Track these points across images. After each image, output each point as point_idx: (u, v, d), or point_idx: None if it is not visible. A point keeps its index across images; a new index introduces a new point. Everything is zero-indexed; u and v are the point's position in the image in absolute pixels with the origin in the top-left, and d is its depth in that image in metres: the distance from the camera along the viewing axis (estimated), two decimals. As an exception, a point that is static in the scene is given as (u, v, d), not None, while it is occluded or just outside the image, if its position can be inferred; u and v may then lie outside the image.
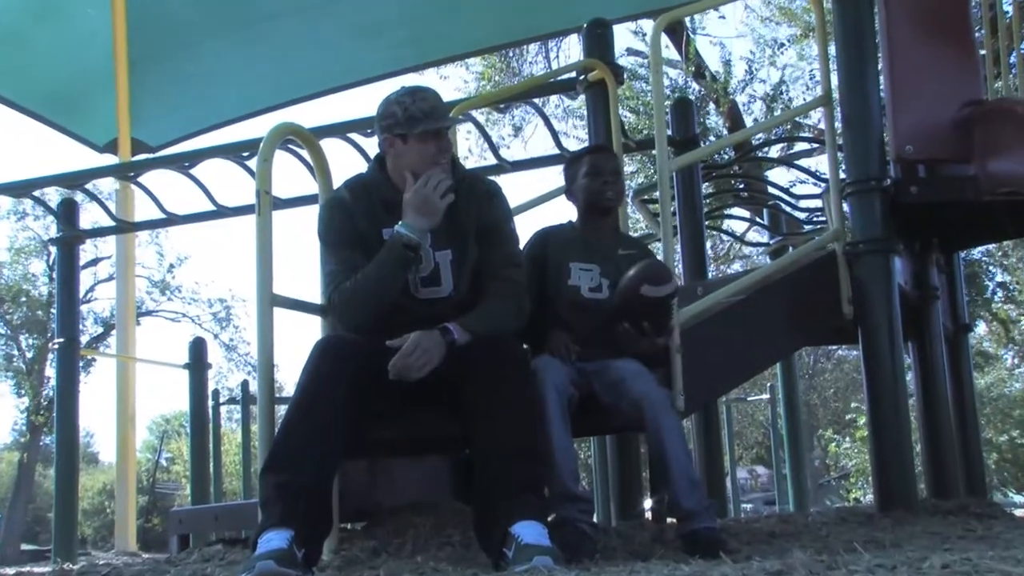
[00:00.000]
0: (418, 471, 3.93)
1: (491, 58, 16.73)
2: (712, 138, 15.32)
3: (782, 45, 16.00)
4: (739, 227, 11.96)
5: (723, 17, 16.19)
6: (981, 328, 22.26)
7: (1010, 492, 23.67)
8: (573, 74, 5.73)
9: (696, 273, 6.49)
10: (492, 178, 3.88)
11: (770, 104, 16.25)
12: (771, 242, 8.89)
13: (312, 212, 3.94)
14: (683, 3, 6.19)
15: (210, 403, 11.01)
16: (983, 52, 5.61)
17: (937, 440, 5.46)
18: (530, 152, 18.24)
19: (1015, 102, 5.32)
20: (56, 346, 7.69)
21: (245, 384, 13.97)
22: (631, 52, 17.36)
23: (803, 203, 8.53)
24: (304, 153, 5.08)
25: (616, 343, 3.59)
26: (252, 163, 5.53)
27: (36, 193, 7.82)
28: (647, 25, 15.17)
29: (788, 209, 8.62)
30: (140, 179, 7.12)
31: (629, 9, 9.61)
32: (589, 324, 3.64)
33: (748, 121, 15.93)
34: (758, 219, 9.95)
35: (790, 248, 7.09)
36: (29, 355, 32.16)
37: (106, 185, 12.42)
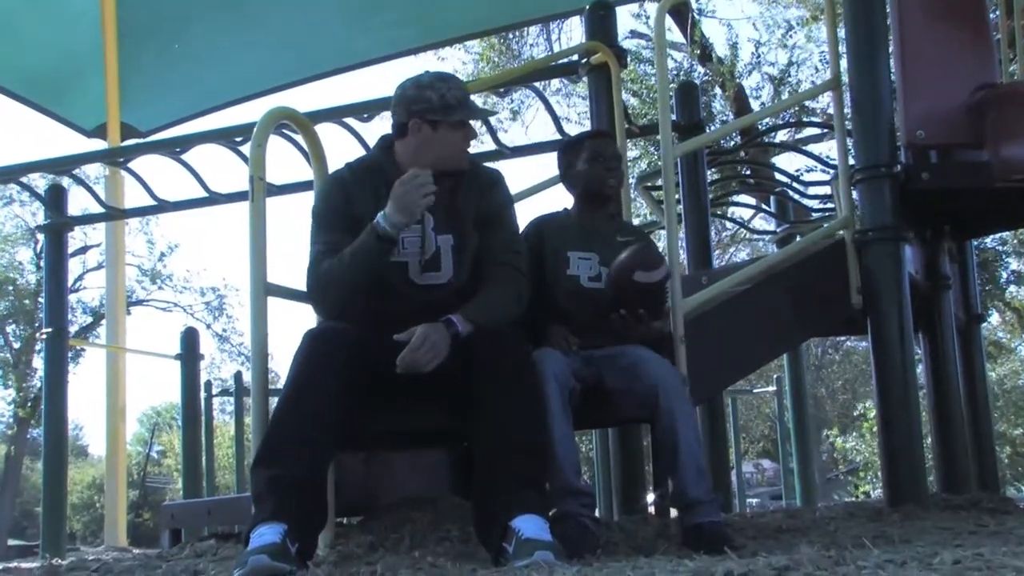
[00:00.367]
0: (416, 465, 3.94)
1: (490, 40, 16.68)
2: (718, 123, 15.32)
3: (791, 28, 15.96)
4: (745, 214, 11.97)
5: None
6: (994, 318, 22.27)
7: (1023, 487, 23.72)
8: (575, 57, 5.72)
9: (701, 262, 6.49)
10: (492, 165, 3.88)
11: (778, 88, 16.21)
12: (778, 230, 8.89)
13: (307, 199, 3.94)
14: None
15: (202, 395, 11.02)
16: (998, 34, 5.60)
17: (948, 433, 5.46)
18: (530, 137, 18.22)
19: (1030, 86, 5.32)
20: (44, 336, 7.69)
21: (238, 375, 13.99)
22: (635, 35, 17.32)
23: (811, 190, 8.53)
24: (299, 138, 5.06)
25: (614, 331, 3.59)
26: (245, 148, 5.53)
27: (23, 179, 7.82)
28: (651, 7, 15.16)
29: (796, 196, 8.61)
30: (130, 165, 7.11)
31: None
32: (589, 313, 3.64)
33: (755, 106, 15.90)
34: (765, 206, 9.95)
35: (797, 236, 7.10)
36: (16, 346, 32.18)
37: (95, 171, 12.43)
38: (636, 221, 8.02)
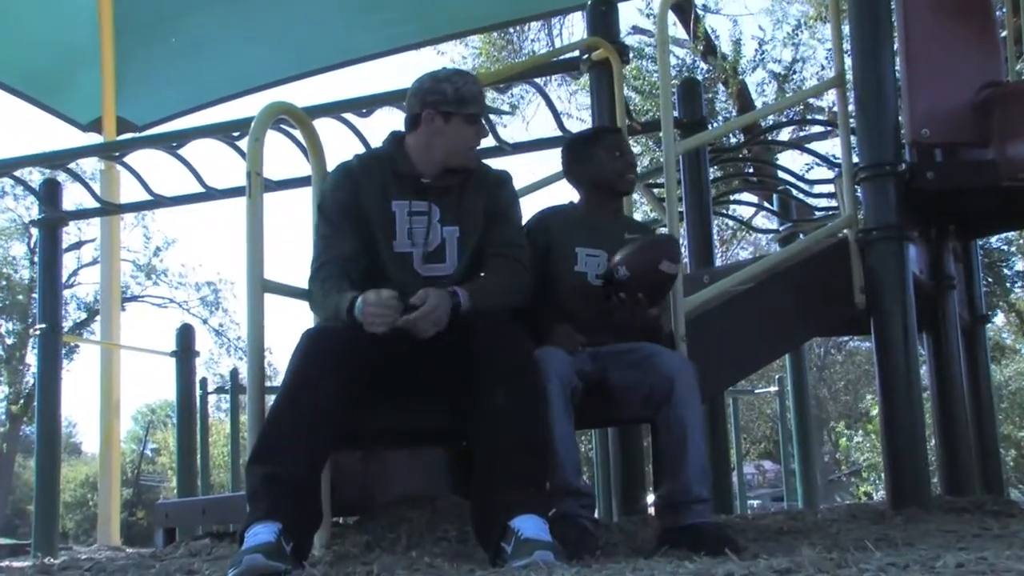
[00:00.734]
0: (413, 464, 3.95)
1: (490, 35, 16.68)
2: (720, 120, 15.31)
3: (798, 26, 15.96)
4: (747, 213, 11.97)
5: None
6: (999, 319, 22.28)
7: (1027, 490, 23.73)
8: (576, 53, 5.73)
9: (703, 260, 6.49)
10: (492, 161, 3.90)
11: (782, 85, 16.21)
12: (781, 228, 8.89)
13: (305, 194, 3.94)
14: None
15: (198, 392, 11.01)
16: (1004, 32, 5.60)
17: (952, 435, 5.47)
18: (531, 133, 18.21)
19: (1036, 84, 5.32)
20: (38, 332, 7.69)
21: (234, 372, 13.98)
22: (637, 31, 17.32)
23: (815, 188, 8.53)
24: (297, 133, 5.07)
25: (613, 322, 3.60)
26: (243, 143, 5.54)
27: (17, 173, 7.82)
28: (654, 3, 15.16)
29: (798, 194, 8.61)
30: (126, 159, 7.11)
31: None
32: (594, 310, 3.64)
33: (758, 103, 15.89)
34: (767, 204, 9.95)
35: (800, 235, 7.10)
36: (9, 341, 32.19)
37: (90, 165, 12.40)
38: (637, 218, 8.00)
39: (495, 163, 3.81)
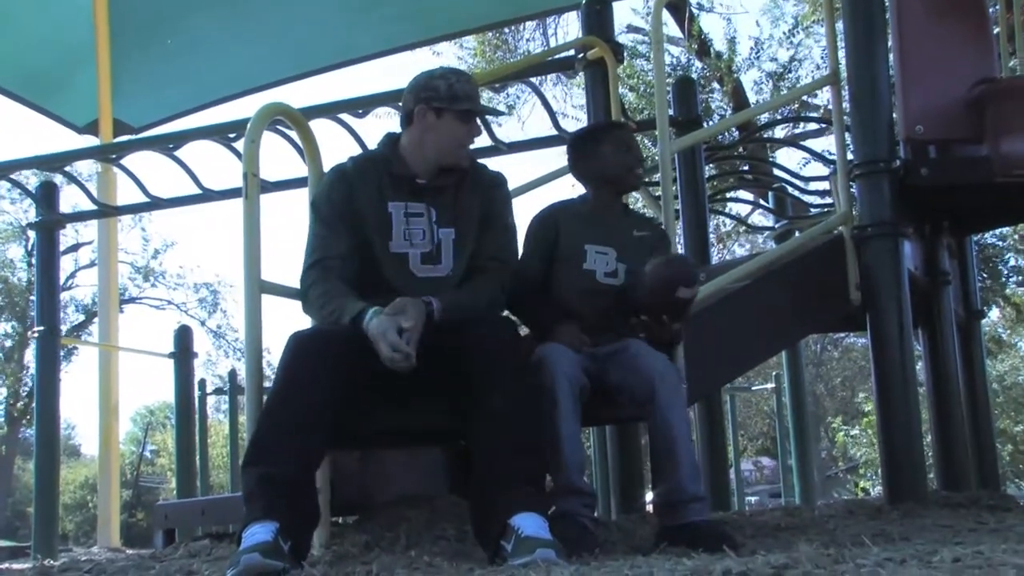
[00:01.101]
0: (412, 463, 3.95)
1: (484, 35, 16.67)
2: (716, 118, 15.31)
3: (796, 25, 15.96)
4: (743, 210, 11.96)
5: (727, -8, 16.14)
6: (994, 313, 22.27)
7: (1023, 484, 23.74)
8: (572, 52, 5.73)
9: (699, 258, 6.49)
10: (487, 160, 3.90)
11: (777, 83, 16.22)
12: (776, 226, 8.90)
13: (301, 195, 3.94)
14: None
15: (196, 393, 11.01)
16: (997, 28, 5.61)
17: (948, 430, 5.48)
18: (527, 133, 18.21)
19: (1030, 80, 5.32)
20: (36, 335, 7.68)
21: (233, 374, 13.99)
22: (632, 29, 17.33)
23: (810, 185, 8.53)
24: (293, 134, 5.07)
25: (630, 331, 3.60)
26: (239, 145, 5.53)
27: (14, 176, 7.82)
28: (649, 2, 15.16)
29: (794, 192, 8.62)
30: (122, 161, 7.11)
31: (629, -16, 9.59)
32: (601, 309, 3.64)
33: (753, 101, 15.89)
34: (763, 202, 9.95)
35: (796, 232, 7.10)
36: (8, 344, 32.16)
37: (87, 167, 12.41)
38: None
39: (491, 163, 3.81)
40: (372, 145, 3.73)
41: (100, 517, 8.90)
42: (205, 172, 6.68)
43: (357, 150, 4.44)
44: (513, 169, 4.05)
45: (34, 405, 8.15)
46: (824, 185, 8.14)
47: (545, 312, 3.63)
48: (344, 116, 5.94)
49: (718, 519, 4.02)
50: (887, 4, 5.01)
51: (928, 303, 5.46)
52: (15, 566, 4.12)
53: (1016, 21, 5.62)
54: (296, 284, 3.45)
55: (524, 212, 3.84)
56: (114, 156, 7.29)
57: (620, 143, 3.86)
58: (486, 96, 12.18)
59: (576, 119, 14.91)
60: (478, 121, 3.60)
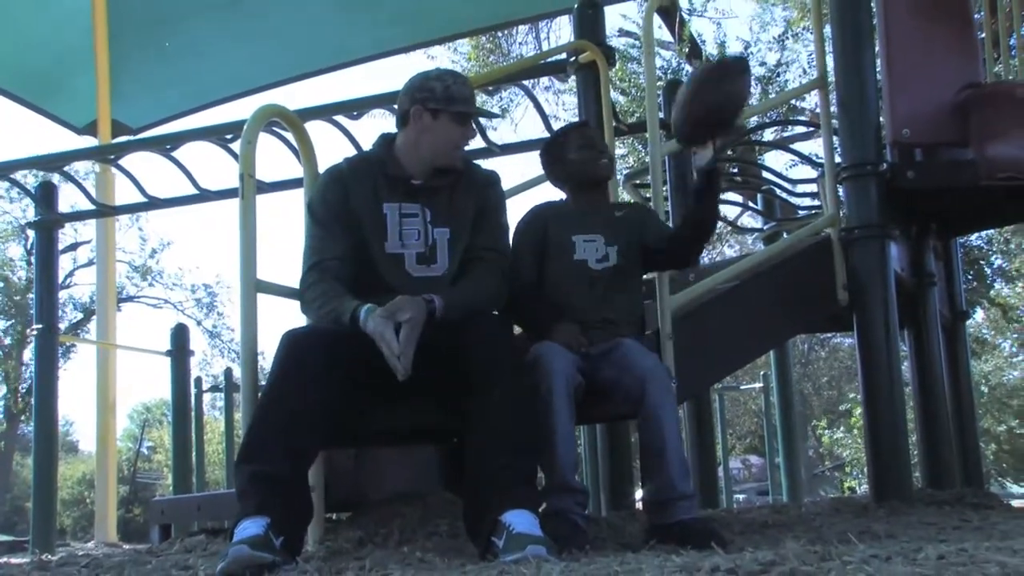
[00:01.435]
0: (405, 461, 3.94)
1: (478, 40, 16.67)
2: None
3: (785, 32, 15.97)
4: (732, 212, 11.96)
5: (717, -3, 16.15)
6: (979, 315, 22.33)
7: (1008, 483, 23.79)
8: (564, 56, 5.72)
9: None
10: (480, 163, 3.89)
11: (765, 87, 16.23)
12: (765, 227, 8.90)
13: (297, 196, 3.94)
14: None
15: (193, 391, 10.99)
16: (982, 34, 5.62)
17: (933, 429, 5.48)
18: (519, 135, 18.22)
19: (1014, 85, 5.34)
20: (35, 332, 7.67)
21: (228, 372, 13.96)
22: (623, 33, 17.33)
23: (798, 188, 8.53)
24: (289, 136, 5.06)
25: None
26: (236, 146, 5.51)
27: (13, 175, 7.80)
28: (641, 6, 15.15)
29: (782, 194, 8.62)
30: (121, 162, 7.08)
31: (621, -11, 9.59)
32: (598, 299, 3.64)
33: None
34: (752, 204, 9.95)
35: (784, 234, 7.11)
36: (7, 341, 32.10)
37: (85, 167, 12.38)
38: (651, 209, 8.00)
39: (484, 164, 3.81)
40: (367, 146, 3.72)
41: (97, 512, 8.87)
42: (202, 173, 6.67)
43: (352, 151, 4.42)
44: (506, 171, 4.06)
45: (33, 402, 8.12)
46: (812, 187, 8.15)
47: (542, 312, 3.62)
48: (339, 118, 5.92)
49: (707, 516, 4.02)
50: (874, 10, 5.01)
51: (914, 304, 5.47)
52: (13, 560, 4.11)
53: (1001, 27, 5.63)
54: (291, 284, 3.44)
55: (517, 213, 3.85)
56: (112, 156, 7.27)
57: (582, 139, 3.91)
58: (480, 99, 12.14)
59: (568, 121, 14.89)
60: (472, 123, 3.60)
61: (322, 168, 3.61)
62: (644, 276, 3.91)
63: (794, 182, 8.60)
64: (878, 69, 5.05)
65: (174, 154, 6.54)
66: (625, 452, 5.22)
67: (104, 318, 9.23)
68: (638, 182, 8.02)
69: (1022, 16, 5.93)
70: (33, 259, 10.27)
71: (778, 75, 16.41)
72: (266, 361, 3.19)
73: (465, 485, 3.04)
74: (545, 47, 17.11)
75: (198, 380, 12.57)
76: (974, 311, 19.61)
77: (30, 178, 8.75)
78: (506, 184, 3.93)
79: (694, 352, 4.02)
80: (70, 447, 47.07)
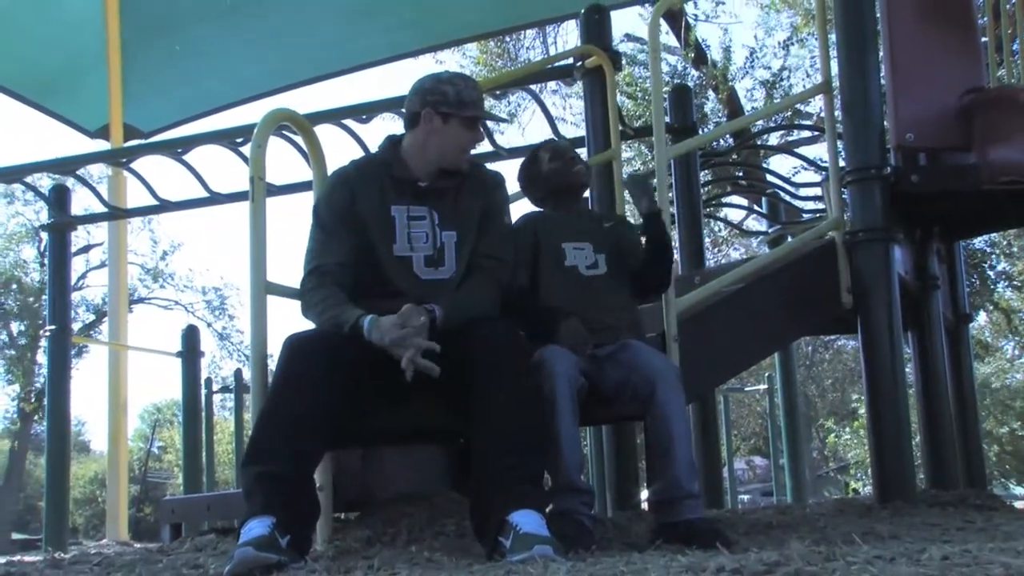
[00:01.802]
0: (413, 462, 3.93)
1: (486, 44, 16.68)
2: (711, 125, 15.31)
3: (791, 37, 15.97)
4: (738, 215, 11.97)
5: (722, 1, 16.13)
6: (981, 318, 22.28)
7: (1011, 484, 23.73)
8: (571, 60, 5.72)
9: (694, 261, 6.49)
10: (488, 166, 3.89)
11: (770, 91, 16.22)
12: (770, 231, 8.90)
13: (306, 199, 3.94)
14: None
15: (203, 391, 11.01)
16: (985, 39, 5.60)
17: (937, 431, 5.47)
18: (527, 139, 18.23)
19: (1017, 90, 5.33)
20: (48, 333, 7.68)
21: (238, 372, 13.98)
22: (629, 38, 17.34)
23: (802, 191, 8.53)
24: (298, 139, 5.07)
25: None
26: (246, 149, 5.52)
27: (27, 179, 7.81)
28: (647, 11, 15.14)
29: (787, 197, 8.62)
30: (132, 165, 7.11)
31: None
32: (591, 304, 3.64)
33: (748, 109, 15.90)
34: (757, 207, 9.96)
35: (789, 237, 7.10)
36: (21, 342, 32.16)
37: (98, 171, 12.41)
38: (632, 221, 8.01)
39: (491, 167, 3.81)
40: (376, 150, 3.72)
41: (109, 511, 8.88)
42: (212, 176, 6.69)
43: (361, 155, 4.42)
44: (513, 174, 4.06)
45: (46, 402, 8.13)
46: (816, 191, 8.14)
47: (542, 315, 3.61)
48: (348, 121, 5.94)
49: (712, 517, 4.02)
50: (878, 15, 5.00)
51: (917, 307, 5.46)
52: (27, 558, 4.11)
53: (1003, 32, 5.62)
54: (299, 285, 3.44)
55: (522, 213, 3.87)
56: (124, 160, 7.30)
57: (553, 152, 3.95)
58: (488, 102, 12.16)
59: (575, 125, 14.90)
60: (480, 127, 3.60)
61: (331, 171, 3.61)
62: None
63: (798, 186, 8.60)
64: (882, 74, 5.04)
65: (185, 157, 6.56)
66: (631, 453, 5.22)
67: (116, 319, 9.25)
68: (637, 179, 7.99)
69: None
70: (46, 261, 10.30)
71: (783, 80, 16.40)
72: (275, 363, 3.19)
73: (472, 485, 3.04)
74: (552, 51, 17.12)
75: (208, 381, 12.60)
76: (977, 314, 19.58)
77: (44, 181, 8.75)
78: (514, 188, 3.94)
79: (699, 354, 4.02)
80: (82, 447, 47.16)
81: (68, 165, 7.41)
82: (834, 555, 2.16)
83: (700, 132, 8.39)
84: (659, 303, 3.95)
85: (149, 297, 33.02)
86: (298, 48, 9.81)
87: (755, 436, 33.29)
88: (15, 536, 32.64)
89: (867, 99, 4.84)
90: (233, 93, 10.10)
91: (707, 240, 10.82)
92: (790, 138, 14.62)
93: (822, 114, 6.01)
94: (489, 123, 5.46)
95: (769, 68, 16.56)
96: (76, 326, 25.92)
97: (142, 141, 9.44)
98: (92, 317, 31.39)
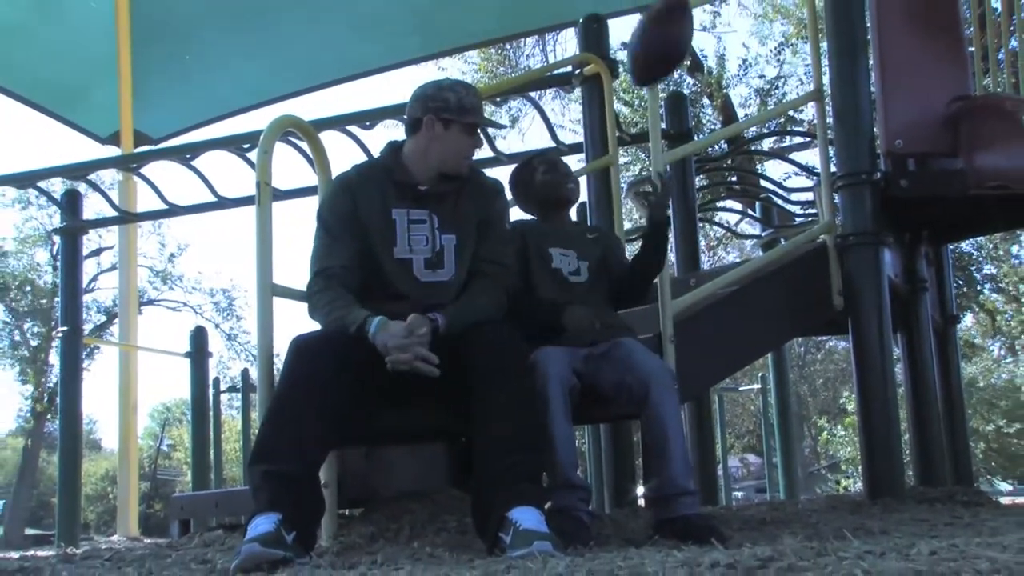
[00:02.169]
0: (415, 459, 3.93)
1: (488, 51, 16.70)
2: (706, 132, 15.32)
3: (782, 44, 15.97)
4: (732, 219, 11.97)
5: (718, 13, 16.14)
6: (968, 319, 22.30)
7: (996, 480, 23.74)
8: (569, 68, 5.72)
9: (689, 264, 6.49)
10: (488, 171, 3.89)
11: (764, 98, 16.23)
12: (763, 234, 8.89)
13: (311, 203, 3.94)
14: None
15: (211, 391, 11.01)
16: (972, 48, 5.61)
17: (925, 429, 5.47)
18: (527, 144, 18.25)
19: (1003, 98, 5.33)
20: (60, 334, 7.69)
21: (245, 372, 13.99)
22: (626, 46, 17.33)
23: (795, 196, 8.53)
24: (304, 145, 5.07)
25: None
26: (252, 155, 5.53)
27: (41, 184, 7.82)
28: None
29: (780, 202, 8.62)
30: (142, 170, 7.11)
31: (624, 3, 9.56)
32: (580, 303, 3.64)
33: (741, 115, 15.91)
34: (750, 211, 9.96)
35: (782, 240, 7.10)
36: (33, 343, 32.17)
37: (109, 176, 12.41)
38: (628, 225, 8.01)
39: (492, 173, 3.81)
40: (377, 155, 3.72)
41: (119, 507, 8.88)
42: (220, 181, 6.69)
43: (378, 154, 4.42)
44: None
45: (58, 401, 8.13)
46: (808, 196, 8.14)
47: (541, 310, 3.61)
48: (352, 128, 5.94)
49: (707, 513, 4.01)
50: (868, 25, 5.01)
51: (907, 308, 5.46)
52: (40, 553, 4.11)
53: (989, 42, 5.62)
54: (305, 288, 3.44)
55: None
56: (134, 165, 7.30)
57: (548, 165, 3.97)
58: (489, 109, 12.18)
59: (574, 131, 14.91)
60: (480, 133, 3.60)
61: (336, 174, 3.61)
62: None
63: (791, 190, 8.60)
64: (872, 82, 5.04)
65: (193, 163, 6.56)
66: (627, 451, 5.22)
67: (126, 321, 9.26)
68: (640, 190, 8.01)
69: (1010, 31, 5.93)
70: (59, 264, 10.29)
71: (776, 87, 16.41)
72: (282, 362, 3.19)
73: (473, 483, 3.04)
74: (551, 59, 17.13)
75: (216, 381, 12.61)
76: (964, 316, 19.59)
77: (57, 186, 8.73)
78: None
79: (695, 354, 4.01)
80: (93, 445, 47.16)
81: (80, 171, 7.42)
82: (826, 550, 2.16)
83: (695, 138, 8.40)
84: (655, 304, 3.95)
85: (158, 299, 33.04)
86: (304, 56, 9.82)
87: (749, 434, 33.31)
88: (28, 531, 32.66)
89: (858, 106, 4.84)
90: (240, 100, 10.12)
91: (702, 243, 10.80)
92: (783, 144, 14.64)
93: (814, 121, 6.01)
94: (489, 129, 5.46)
95: (763, 76, 16.58)
96: (87, 327, 25.94)
97: (151, 147, 9.45)
98: (103, 318, 31.40)
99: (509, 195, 3.99)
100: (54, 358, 28.77)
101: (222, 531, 3.89)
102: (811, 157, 12.80)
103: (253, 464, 2.93)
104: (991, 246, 17.97)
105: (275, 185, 3.56)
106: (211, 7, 9.26)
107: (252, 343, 30.41)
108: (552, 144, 6.40)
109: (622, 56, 16.44)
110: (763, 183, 9.05)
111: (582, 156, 5.61)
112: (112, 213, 8.15)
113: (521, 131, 17.98)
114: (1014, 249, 20.13)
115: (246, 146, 6.18)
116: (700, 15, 16.27)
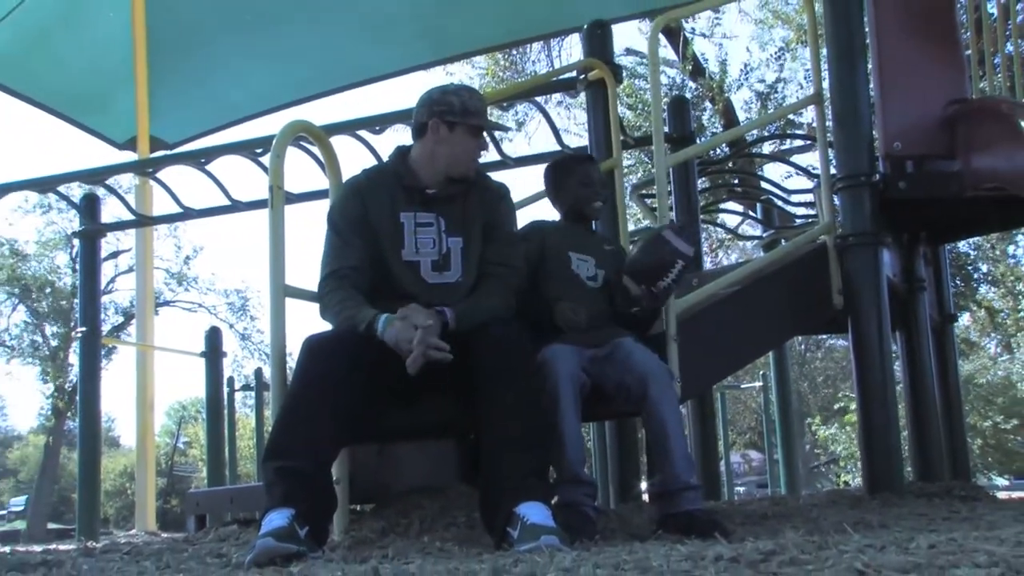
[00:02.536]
0: (425, 455, 3.93)
1: (494, 56, 16.69)
2: (708, 135, 15.30)
3: (782, 49, 15.95)
4: (734, 221, 11.94)
5: (719, 20, 16.11)
6: (966, 317, 22.26)
7: (993, 475, 23.68)
8: (574, 73, 5.71)
9: (692, 265, 6.47)
10: (495, 174, 3.89)
11: (764, 102, 16.21)
12: (764, 235, 8.88)
13: (322, 206, 3.94)
14: (679, 4, 6.16)
15: (225, 390, 11.02)
16: (968, 53, 5.60)
17: (923, 426, 5.46)
18: (533, 148, 18.23)
19: (999, 101, 5.31)
20: (79, 335, 7.70)
21: (259, 372, 14.00)
22: (630, 52, 17.32)
23: (795, 198, 8.51)
24: (315, 150, 5.06)
25: (614, 298, 3.68)
26: (265, 159, 5.52)
27: (60, 188, 7.83)
28: (646, 25, 15.14)
29: (781, 203, 8.60)
30: (158, 175, 7.11)
31: (628, 9, 9.55)
32: (591, 308, 3.63)
33: (743, 119, 15.89)
34: (752, 213, 9.94)
35: (782, 241, 7.08)
36: (54, 343, 32.25)
37: (126, 180, 12.41)
38: (632, 227, 8.01)
39: (499, 176, 3.81)
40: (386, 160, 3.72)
41: (137, 503, 8.89)
42: (234, 184, 6.69)
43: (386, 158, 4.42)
44: (520, 182, 4.06)
45: (77, 400, 8.14)
46: (808, 197, 8.12)
47: (540, 308, 3.60)
48: (363, 132, 5.93)
49: (710, 508, 4.01)
50: (867, 30, 5.00)
51: (905, 308, 5.45)
52: (61, 547, 4.12)
53: (986, 46, 5.61)
54: (316, 289, 3.44)
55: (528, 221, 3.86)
56: (151, 170, 7.30)
57: (584, 177, 3.95)
58: (496, 114, 12.16)
59: (579, 135, 14.90)
60: (485, 136, 3.60)
61: (346, 179, 3.61)
62: None
63: (791, 192, 8.58)
64: (871, 86, 5.03)
65: (208, 167, 6.55)
66: (632, 447, 5.21)
67: (143, 321, 9.25)
68: (644, 192, 8.00)
69: (1006, 35, 5.92)
70: (78, 266, 10.31)
71: (776, 91, 16.39)
72: (294, 362, 3.19)
73: (481, 479, 3.03)
74: (557, 64, 17.11)
75: (230, 380, 12.63)
76: (961, 314, 19.56)
77: (76, 190, 8.75)
78: (520, 195, 3.94)
79: (698, 353, 4.01)
80: (112, 442, 47.30)
81: (98, 175, 7.42)
82: (827, 544, 2.15)
83: (697, 142, 8.38)
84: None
85: (174, 300, 33.10)
86: (315, 63, 9.82)
87: (751, 431, 33.29)
88: (51, 526, 32.72)
89: (857, 110, 4.83)
90: (253, 106, 10.11)
91: (704, 244, 10.78)
92: (783, 147, 14.63)
93: (814, 124, 6.00)
94: (496, 133, 5.46)
95: (764, 81, 16.56)
96: (106, 328, 26.06)
97: (167, 152, 9.45)
98: (121, 319, 31.49)
99: (522, 197, 3.99)
100: (74, 358, 28.86)
101: (237, 526, 3.90)
102: (811, 159, 12.80)
103: (267, 461, 2.93)
104: (988, 246, 17.93)
105: (287, 189, 3.55)
106: (224, 17, 9.26)
107: (265, 343, 30.45)
108: (557, 148, 6.40)
109: (626, 61, 16.48)
110: (764, 185, 9.03)
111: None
112: (129, 217, 8.15)
113: (527, 135, 17.97)
114: (1010, 249, 20.10)
115: (259, 151, 6.17)
116: (702, 22, 16.24)
